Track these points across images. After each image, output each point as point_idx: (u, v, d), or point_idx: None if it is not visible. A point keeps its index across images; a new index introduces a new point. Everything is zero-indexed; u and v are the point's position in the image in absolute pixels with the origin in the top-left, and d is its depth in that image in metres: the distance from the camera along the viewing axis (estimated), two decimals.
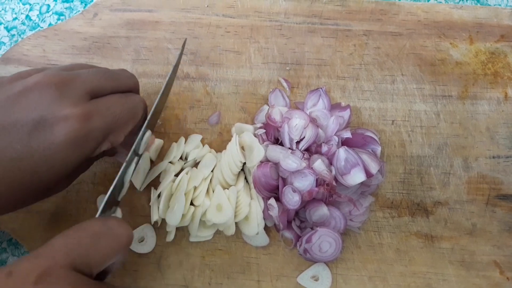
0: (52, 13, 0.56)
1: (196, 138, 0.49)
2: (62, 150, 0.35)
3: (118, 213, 0.41)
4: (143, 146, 0.42)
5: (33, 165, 0.35)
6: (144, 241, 0.47)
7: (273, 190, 0.46)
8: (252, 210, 0.45)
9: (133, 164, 0.41)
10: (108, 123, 0.37)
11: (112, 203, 0.39)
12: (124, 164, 0.39)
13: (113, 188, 0.38)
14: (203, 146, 0.49)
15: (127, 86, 0.41)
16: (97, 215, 0.37)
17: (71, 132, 0.35)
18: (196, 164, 0.48)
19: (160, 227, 0.47)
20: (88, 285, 0.32)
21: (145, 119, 0.42)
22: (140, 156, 0.42)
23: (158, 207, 0.44)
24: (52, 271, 0.31)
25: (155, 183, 0.48)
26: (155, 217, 0.45)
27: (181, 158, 0.49)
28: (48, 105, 0.35)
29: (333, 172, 0.44)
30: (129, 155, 0.39)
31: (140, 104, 0.41)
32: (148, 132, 0.42)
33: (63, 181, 0.39)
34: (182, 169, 0.48)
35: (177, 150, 0.48)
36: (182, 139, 0.49)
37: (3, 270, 0.31)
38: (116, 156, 0.45)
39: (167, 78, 0.44)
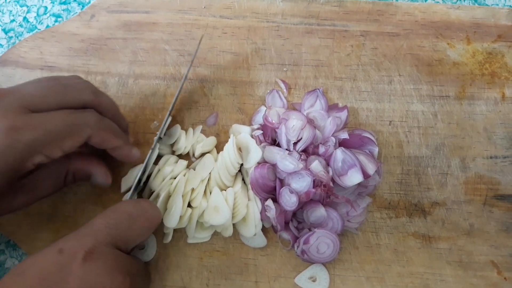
0: (50, 15, 0.56)
1: (196, 130, 0.49)
2: None
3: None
4: (164, 131, 0.48)
5: None
6: (145, 249, 0.47)
7: (270, 191, 0.46)
8: (249, 211, 0.45)
9: (156, 150, 0.46)
10: (38, 136, 0.37)
11: (136, 188, 0.45)
12: (150, 151, 0.45)
13: (142, 172, 0.44)
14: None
15: (78, 100, 0.41)
16: (127, 197, 0.43)
17: None
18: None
19: (157, 229, 0.47)
20: (126, 260, 0.38)
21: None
22: (161, 139, 0.48)
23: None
24: (97, 249, 0.36)
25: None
26: None
27: (180, 155, 0.49)
28: None
29: (330, 173, 0.44)
30: (155, 142, 0.46)
31: (86, 121, 0.40)
32: (170, 118, 0.48)
33: (6, 192, 0.39)
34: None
35: (186, 140, 0.49)
36: (190, 130, 0.49)
37: (55, 247, 0.36)
38: (91, 180, 0.45)
39: (186, 72, 0.48)
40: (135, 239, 0.39)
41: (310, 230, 0.45)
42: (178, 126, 0.49)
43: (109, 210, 0.39)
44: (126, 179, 0.49)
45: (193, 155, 0.49)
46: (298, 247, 0.45)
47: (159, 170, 0.47)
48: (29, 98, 0.38)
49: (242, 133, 0.47)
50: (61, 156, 0.39)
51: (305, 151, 0.46)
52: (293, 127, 0.45)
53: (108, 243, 0.37)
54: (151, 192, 0.47)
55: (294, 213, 0.46)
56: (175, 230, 0.47)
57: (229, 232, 0.46)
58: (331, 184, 0.44)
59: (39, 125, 0.37)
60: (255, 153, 0.45)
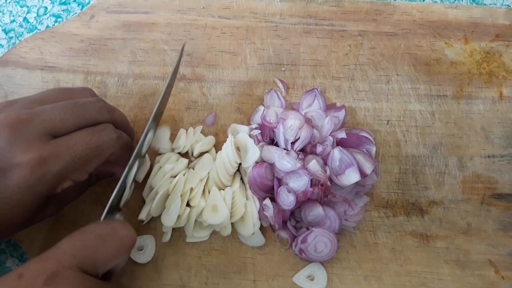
0: (50, 16, 0.56)
1: (197, 130, 0.49)
2: (16, 193, 0.35)
3: (118, 218, 0.42)
4: (145, 147, 0.43)
5: None
6: (143, 250, 0.47)
7: (268, 191, 0.46)
8: (247, 210, 0.46)
9: (135, 167, 0.42)
10: (66, 165, 0.37)
11: (114, 209, 0.41)
12: (126, 169, 0.40)
13: (116, 192, 0.39)
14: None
15: (96, 121, 0.40)
16: (101, 219, 0.38)
17: (22, 178, 0.35)
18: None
19: (156, 228, 0.48)
20: (94, 285, 0.34)
21: (131, 149, 0.42)
22: (143, 157, 0.43)
23: (151, 206, 0.45)
24: (60, 272, 0.33)
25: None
26: (142, 215, 0.45)
27: (179, 153, 0.49)
28: (3, 149, 0.35)
29: (328, 172, 0.44)
30: (132, 158, 0.40)
31: (108, 140, 0.40)
32: (151, 133, 0.43)
33: (37, 213, 0.39)
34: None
35: (186, 139, 0.49)
36: (190, 129, 0.49)
37: (15, 272, 0.33)
38: (115, 176, 0.44)
39: (167, 81, 0.44)
40: (105, 262, 0.36)
41: (308, 229, 0.45)
42: (166, 128, 0.49)
43: (77, 232, 0.36)
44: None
45: (192, 154, 0.49)
46: (296, 246, 0.45)
47: (160, 167, 0.47)
48: (50, 123, 0.37)
49: (240, 133, 0.48)
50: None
51: (303, 150, 0.46)
52: (291, 127, 0.46)
53: (74, 266, 0.34)
54: (151, 189, 0.47)
55: (292, 212, 0.46)
56: (173, 229, 0.47)
57: (227, 231, 0.46)
58: (329, 183, 0.44)
59: (65, 152, 0.37)
60: (253, 152, 0.46)
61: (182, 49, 0.45)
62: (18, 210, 0.36)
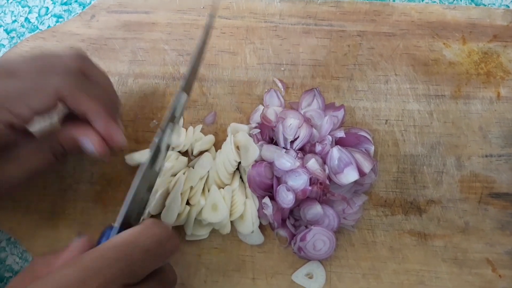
0: (51, 16, 0.57)
1: (196, 129, 0.50)
2: None
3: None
4: (179, 109, 0.41)
5: None
6: None
7: (267, 189, 0.46)
8: (247, 209, 0.46)
9: (168, 132, 0.40)
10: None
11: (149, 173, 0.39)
12: (159, 130, 0.39)
13: (153, 153, 0.38)
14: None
15: (60, 65, 0.39)
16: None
17: None
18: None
19: None
20: None
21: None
22: (176, 121, 0.41)
23: (151, 204, 0.45)
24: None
25: None
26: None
27: (179, 151, 0.49)
28: None
29: (327, 171, 0.44)
30: (166, 120, 0.39)
31: (58, 79, 0.38)
32: (184, 95, 0.41)
33: None
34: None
35: (186, 138, 0.49)
36: (190, 128, 0.50)
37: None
38: (84, 150, 0.41)
39: (201, 41, 0.42)
40: (146, 273, 0.34)
41: (306, 227, 0.45)
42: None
43: (121, 241, 0.33)
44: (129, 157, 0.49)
45: (192, 153, 0.49)
46: (295, 244, 0.45)
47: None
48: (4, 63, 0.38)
49: (240, 132, 0.48)
50: (33, 117, 0.38)
51: (302, 149, 0.47)
52: (290, 126, 0.46)
53: (118, 283, 0.32)
54: None
55: (291, 211, 0.46)
56: (173, 227, 0.47)
57: (227, 229, 0.46)
58: (328, 182, 0.44)
59: (2, 79, 0.36)
60: (253, 151, 0.46)
61: (213, 13, 0.43)
62: None
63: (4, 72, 0.38)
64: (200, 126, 0.50)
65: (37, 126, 0.42)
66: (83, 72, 0.40)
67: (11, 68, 0.38)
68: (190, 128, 0.50)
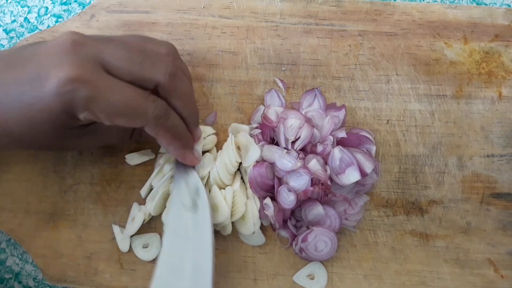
0: (51, 16, 0.57)
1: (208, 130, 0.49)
2: (48, 102, 0.36)
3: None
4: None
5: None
6: (148, 248, 0.47)
7: (269, 190, 0.46)
8: (248, 209, 0.46)
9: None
10: (93, 98, 0.36)
11: None
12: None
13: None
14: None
15: (150, 79, 0.39)
16: None
17: (52, 87, 0.35)
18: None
19: (156, 227, 0.48)
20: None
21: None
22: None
23: (151, 205, 0.45)
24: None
25: None
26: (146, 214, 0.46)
27: None
28: (56, 59, 0.36)
29: (328, 172, 0.44)
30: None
31: (147, 112, 0.38)
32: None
33: (63, 136, 0.40)
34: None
35: None
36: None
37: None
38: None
39: None
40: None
41: (308, 228, 0.45)
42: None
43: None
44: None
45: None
46: (296, 245, 0.45)
47: (160, 167, 0.47)
48: (107, 57, 0.37)
49: (241, 132, 0.48)
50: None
51: (303, 149, 0.46)
52: (291, 126, 0.46)
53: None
54: (151, 189, 0.47)
55: (293, 211, 0.46)
56: None
57: (228, 230, 0.46)
58: (329, 182, 0.44)
59: (101, 87, 0.36)
60: (254, 151, 0.46)
61: None
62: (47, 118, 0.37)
63: (106, 71, 0.38)
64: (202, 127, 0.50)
65: None
66: (171, 89, 0.40)
67: (112, 66, 0.38)
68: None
